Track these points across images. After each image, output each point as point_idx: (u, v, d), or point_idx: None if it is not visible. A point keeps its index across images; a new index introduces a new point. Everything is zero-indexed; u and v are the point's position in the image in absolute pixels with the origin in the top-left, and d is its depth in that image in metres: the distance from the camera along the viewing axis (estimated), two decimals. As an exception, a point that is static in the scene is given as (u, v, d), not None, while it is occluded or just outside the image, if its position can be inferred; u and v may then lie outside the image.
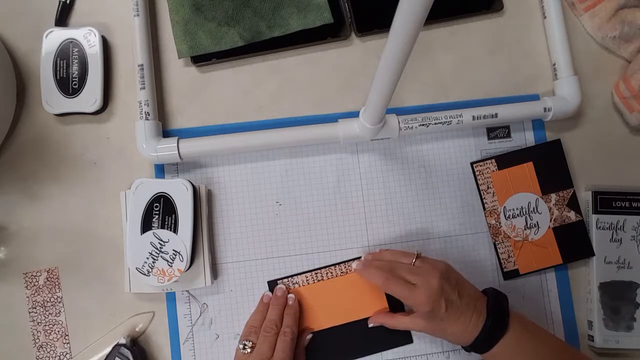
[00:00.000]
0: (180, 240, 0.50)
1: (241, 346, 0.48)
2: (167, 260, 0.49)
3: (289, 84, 0.56)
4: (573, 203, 0.54)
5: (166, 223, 0.50)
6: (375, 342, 0.52)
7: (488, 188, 0.55)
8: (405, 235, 0.55)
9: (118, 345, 0.50)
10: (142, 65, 0.52)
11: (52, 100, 0.53)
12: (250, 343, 0.47)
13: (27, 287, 0.53)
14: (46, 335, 0.52)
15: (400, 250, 0.52)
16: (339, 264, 0.53)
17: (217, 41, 0.54)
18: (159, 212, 0.50)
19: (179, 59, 0.55)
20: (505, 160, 0.55)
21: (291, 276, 0.53)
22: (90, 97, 0.53)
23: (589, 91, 0.57)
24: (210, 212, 0.54)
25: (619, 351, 0.54)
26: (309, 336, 0.51)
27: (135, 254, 0.49)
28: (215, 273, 0.53)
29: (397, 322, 0.49)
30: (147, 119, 0.51)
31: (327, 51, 0.57)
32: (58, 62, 0.53)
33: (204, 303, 0.53)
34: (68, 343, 0.52)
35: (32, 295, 0.53)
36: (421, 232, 0.55)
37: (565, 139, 0.56)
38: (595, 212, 0.54)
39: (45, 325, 0.52)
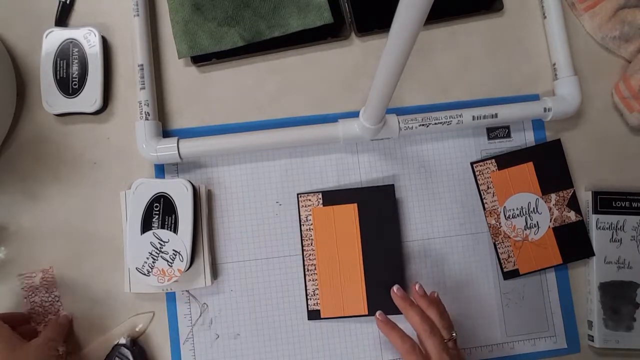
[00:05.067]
0: (180, 240, 0.50)
1: None
2: (167, 260, 0.49)
3: (289, 84, 0.56)
4: (573, 203, 0.54)
5: (166, 223, 0.50)
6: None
7: (488, 188, 0.55)
8: (405, 235, 0.55)
9: (118, 345, 0.50)
10: (142, 65, 0.52)
11: (52, 100, 0.53)
12: None
13: (24, 288, 0.52)
14: (46, 335, 0.52)
15: (448, 317, 0.49)
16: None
17: (217, 41, 0.54)
18: (159, 212, 0.50)
19: (179, 59, 0.55)
20: (505, 160, 0.55)
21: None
22: (90, 97, 0.53)
23: (589, 91, 0.57)
24: (210, 212, 0.54)
25: (619, 351, 0.54)
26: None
27: (135, 254, 0.49)
28: (215, 273, 0.53)
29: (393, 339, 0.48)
30: (147, 119, 0.51)
31: (327, 51, 0.57)
32: (58, 62, 0.53)
33: (204, 303, 0.53)
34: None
35: (29, 297, 0.52)
36: (421, 232, 0.55)
37: (565, 139, 0.56)
38: (595, 212, 0.54)
39: (45, 325, 0.52)
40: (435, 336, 0.46)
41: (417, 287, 0.50)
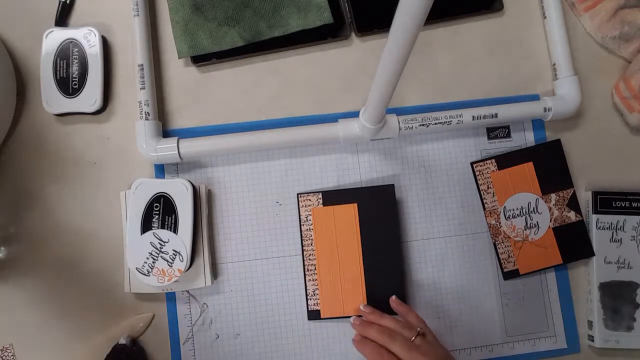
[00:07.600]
0: (180, 240, 0.50)
1: None
2: (167, 260, 0.49)
3: (289, 84, 0.56)
4: (573, 203, 0.54)
5: (166, 223, 0.50)
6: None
7: (488, 188, 0.55)
8: (405, 235, 0.55)
9: (118, 345, 0.50)
10: (142, 65, 0.52)
11: (52, 100, 0.53)
12: None
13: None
14: (46, 335, 0.52)
15: (402, 322, 0.49)
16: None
17: (217, 41, 0.54)
18: (159, 212, 0.50)
19: (179, 59, 0.55)
20: (505, 160, 0.55)
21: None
22: (90, 97, 0.53)
23: (589, 91, 0.57)
24: (210, 212, 0.54)
25: (619, 351, 0.54)
26: None
27: (135, 254, 0.49)
28: (215, 273, 0.53)
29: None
30: (147, 119, 0.51)
31: (327, 51, 0.57)
32: (58, 62, 0.53)
33: (204, 303, 0.53)
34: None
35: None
36: (421, 232, 0.55)
37: (565, 139, 0.56)
38: (595, 212, 0.54)
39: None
40: (395, 340, 0.46)
41: (362, 307, 0.51)
